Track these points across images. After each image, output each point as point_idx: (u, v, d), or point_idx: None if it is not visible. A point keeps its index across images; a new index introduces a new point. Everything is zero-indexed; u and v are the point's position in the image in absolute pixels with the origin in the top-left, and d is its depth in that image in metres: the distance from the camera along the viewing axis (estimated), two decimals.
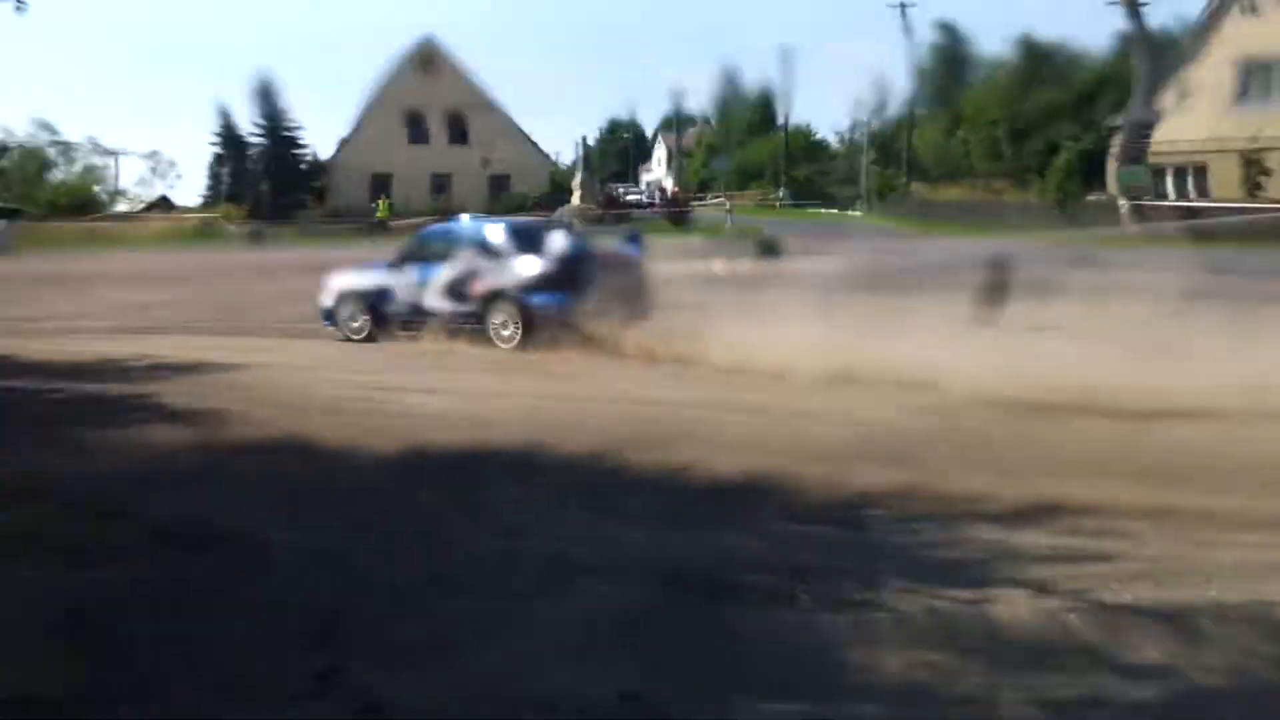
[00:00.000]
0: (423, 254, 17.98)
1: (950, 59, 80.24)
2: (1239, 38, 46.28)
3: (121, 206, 77.02)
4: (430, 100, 72.10)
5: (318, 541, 6.82)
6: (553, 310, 15.87)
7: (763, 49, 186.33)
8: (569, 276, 15.99)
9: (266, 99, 74.86)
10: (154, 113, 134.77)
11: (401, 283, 17.63)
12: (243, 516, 7.33)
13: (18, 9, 11.41)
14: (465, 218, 20.00)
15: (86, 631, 5.48)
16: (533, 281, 16.31)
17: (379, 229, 53.09)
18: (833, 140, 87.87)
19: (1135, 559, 6.33)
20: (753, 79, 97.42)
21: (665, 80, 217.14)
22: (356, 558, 6.53)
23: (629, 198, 73.81)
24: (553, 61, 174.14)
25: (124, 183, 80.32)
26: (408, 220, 56.33)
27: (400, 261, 18.03)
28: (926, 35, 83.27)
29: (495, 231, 17.67)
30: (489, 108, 73.26)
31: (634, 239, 19.55)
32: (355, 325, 17.96)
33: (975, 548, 6.62)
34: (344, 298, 18.26)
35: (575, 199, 59.15)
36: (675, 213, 57.61)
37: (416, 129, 72.90)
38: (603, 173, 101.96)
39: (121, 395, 12.18)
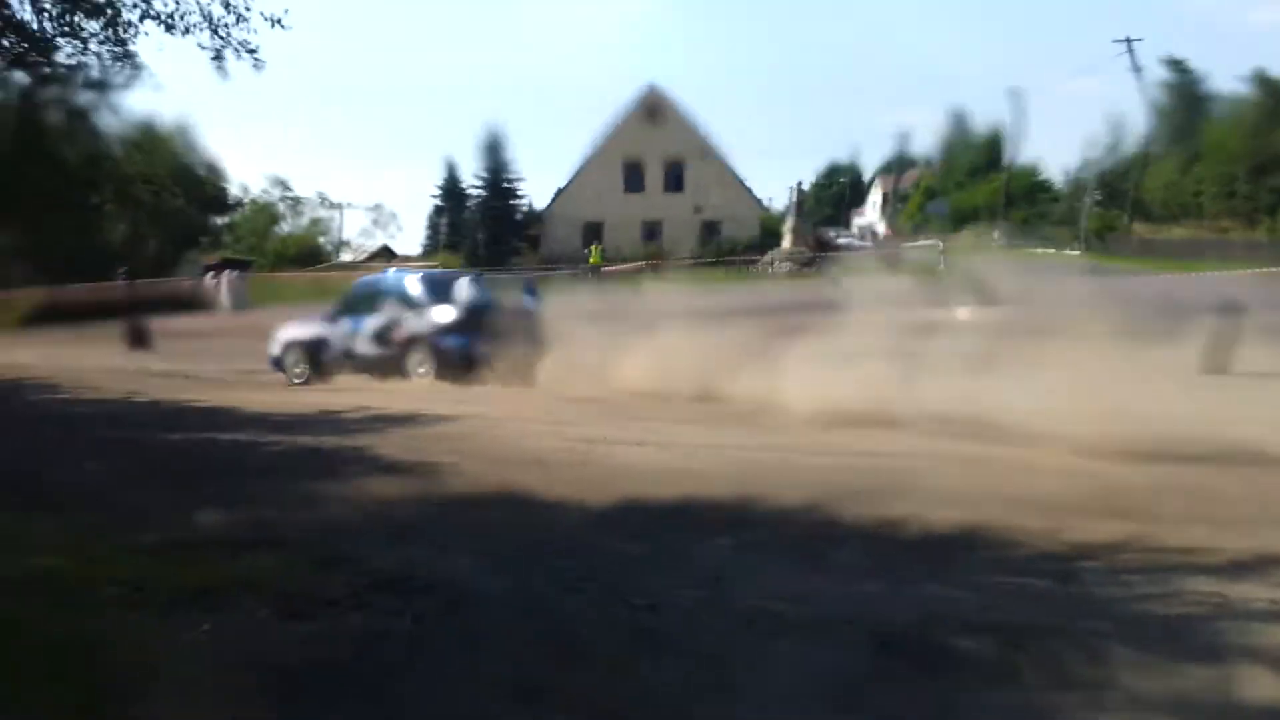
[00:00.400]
0: (354, 307, 20.66)
1: (1188, 96, 77.92)
2: None
3: (345, 256, 79.72)
4: (651, 149, 72.53)
5: (525, 594, 6.85)
6: (460, 351, 18.91)
7: (990, 90, 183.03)
8: (475, 322, 19.06)
9: (493, 152, 76.66)
10: (376, 167, 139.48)
11: (336, 332, 20.40)
12: (453, 567, 7.44)
13: (255, 66, 11.84)
14: (391, 270, 23.32)
15: (292, 684, 5.58)
16: (444, 327, 19.37)
17: (592, 274, 53.75)
18: (1059, 180, 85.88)
19: None
20: (982, 120, 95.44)
21: (890, 124, 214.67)
22: (562, 611, 6.52)
23: (840, 241, 73.16)
24: (774, 105, 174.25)
25: (347, 234, 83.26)
26: (619, 266, 57.00)
27: (335, 314, 20.73)
28: (1155, 73, 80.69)
29: (413, 284, 20.50)
30: (707, 155, 73.40)
31: (530, 290, 21.98)
32: (298, 371, 20.65)
33: (1193, 602, 6.33)
34: (289, 347, 21.03)
35: (786, 243, 58.96)
36: (887, 254, 56.87)
37: (633, 177, 73.49)
38: (816, 217, 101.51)
39: (338, 448, 12.52)
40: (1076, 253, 62.77)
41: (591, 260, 57.89)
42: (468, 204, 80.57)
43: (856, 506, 8.89)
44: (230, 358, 24.32)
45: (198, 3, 11.31)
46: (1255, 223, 55.52)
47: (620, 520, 9.07)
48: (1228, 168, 59.94)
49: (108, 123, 11.54)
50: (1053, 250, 65.30)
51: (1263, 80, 62.05)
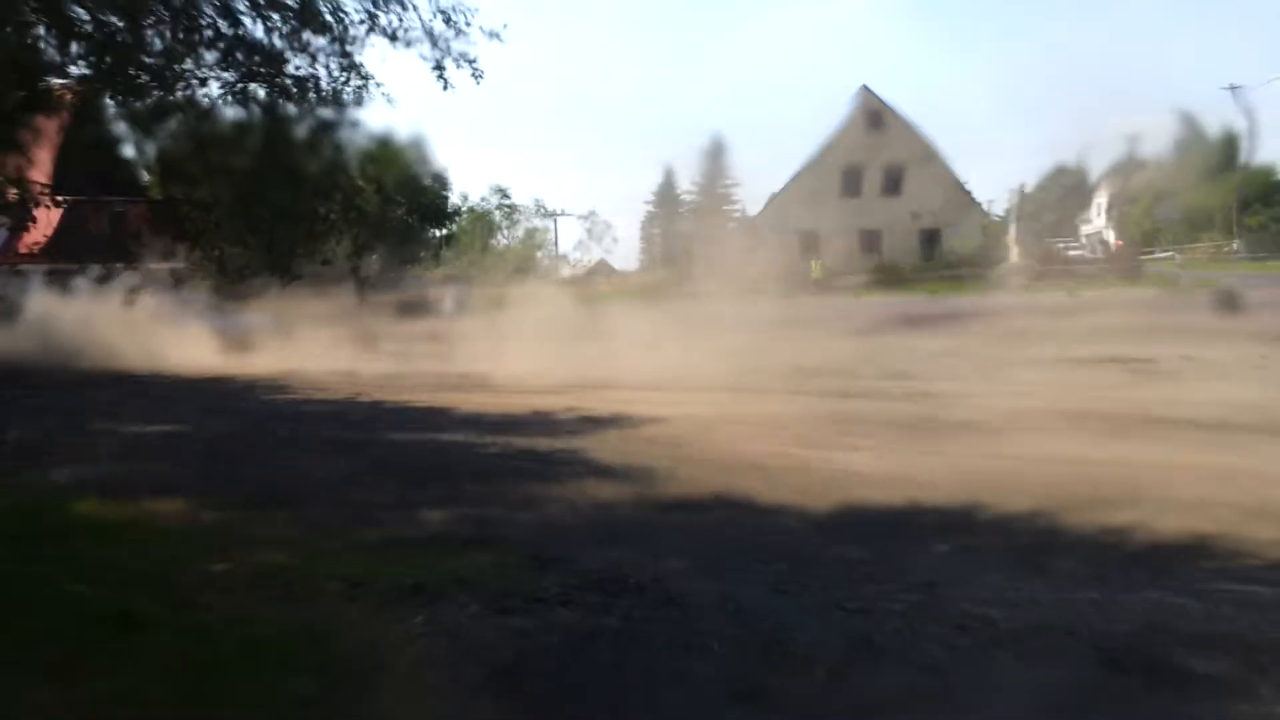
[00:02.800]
0: None
1: None
2: None
3: (563, 271, 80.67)
4: (872, 154, 71.62)
5: (738, 597, 6.75)
6: None
7: (1222, 92, 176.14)
8: None
9: (715, 159, 76.83)
10: (594, 177, 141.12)
11: None
12: (669, 570, 7.43)
13: (475, 76, 12.02)
14: None
15: (507, 680, 5.64)
16: None
17: (817, 287, 53.66)
18: None
19: None
20: (1216, 120, 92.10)
21: (1118, 126, 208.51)
22: (775, 616, 6.44)
23: (1070, 252, 71.11)
24: (996, 107, 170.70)
25: (563, 245, 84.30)
26: (843, 280, 56.52)
27: None
28: None
29: None
30: (929, 159, 72.10)
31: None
32: None
33: None
34: None
35: (1014, 255, 57.72)
36: (1123, 266, 55.20)
37: (850, 183, 72.64)
38: (1038, 223, 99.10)
39: (552, 450, 12.62)
40: None
41: (815, 275, 57.62)
42: (681, 210, 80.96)
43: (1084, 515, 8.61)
44: (448, 361, 24.76)
45: (419, 17, 11.52)
46: None
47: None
48: None
49: (348, 137, 11.84)
50: None
51: None
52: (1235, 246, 72.29)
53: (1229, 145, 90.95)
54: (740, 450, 12.27)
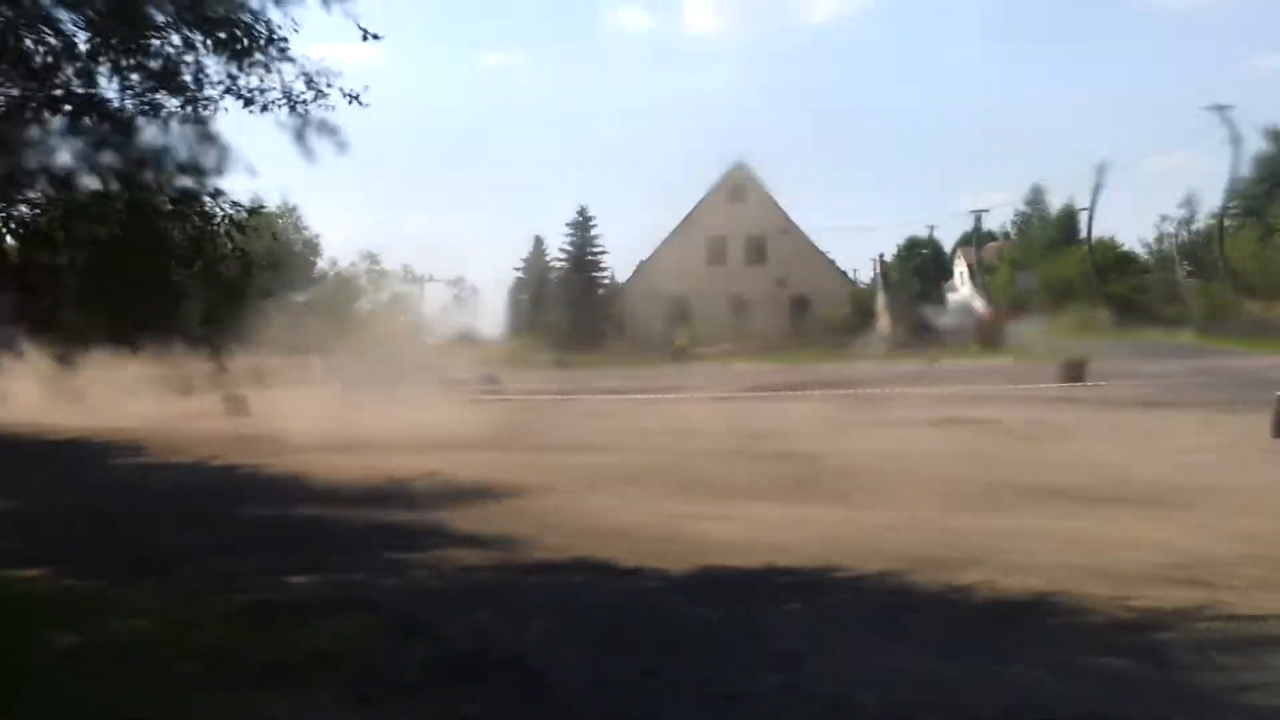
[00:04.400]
0: None
1: (1275, 170, 77.19)
2: None
3: (428, 339, 79.85)
4: (735, 225, 72.88)
5: (605, 673, 6.70)
6: None
7: (1062, 165, 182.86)
8: None
9: (580, 228, 77.18)
10: (462, 245, 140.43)
11: None
12: (534, 640, 7.41)
13: (338, 148, 11.93)
14: None
15: None
16: None
17: (680, 356, 54.04)
18: (1140, 251, 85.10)
19: None
20: (1057, 197, 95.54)
21: (967, 200, 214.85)
22: (638, 695, 6.37)
23: (938, 320, 72.47)
24: (849, 180, 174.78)
25: (428, 312, 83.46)
26: (710, 348, 56.95)
27: None
28: (1255, 144, 79.70)
29: None
30: (789, 230, 73.67)
31: None
32: None
33: None
34: None
35: (883, 323, 58.60)
36: (987, 336, 56.36)
37: (715, 252, 73.70)
38: (904, 291, 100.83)
39: (415, 519, 12.62)
40: (1185, 337, 61.79)
41: (679, 344, 58.14)
42: (550, 277, 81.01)
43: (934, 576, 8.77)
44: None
45: (280, 78, 11.41)
46: None
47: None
48: None
49: (215, 206, 11.63)
50: (1160, 333, 64.44)
51: None
52: (1100, 316, 74.32)
53: (1067, 220, 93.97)
54: (605, 519, 12.33)
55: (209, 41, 10.89)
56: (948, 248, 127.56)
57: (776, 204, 74.18)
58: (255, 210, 12.06)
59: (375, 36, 11.80)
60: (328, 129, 11.76)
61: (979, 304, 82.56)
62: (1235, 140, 64.47)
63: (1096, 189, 76.41)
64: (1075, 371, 28.95)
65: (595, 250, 78.77)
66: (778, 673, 6.64)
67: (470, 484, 14.98)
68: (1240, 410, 20.68)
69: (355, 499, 14.24)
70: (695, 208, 74.55)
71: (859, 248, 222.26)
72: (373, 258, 77.84)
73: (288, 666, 6.78)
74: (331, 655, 6.99)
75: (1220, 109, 64.31)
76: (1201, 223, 78.26)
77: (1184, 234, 77.85)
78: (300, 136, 11.67)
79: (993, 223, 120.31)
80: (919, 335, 57.18)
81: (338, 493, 14.80)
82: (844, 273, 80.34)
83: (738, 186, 73.73)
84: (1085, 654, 6.90)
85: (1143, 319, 59.11)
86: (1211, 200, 79.57)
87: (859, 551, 10.04)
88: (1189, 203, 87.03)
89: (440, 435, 20.75)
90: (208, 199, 11.42)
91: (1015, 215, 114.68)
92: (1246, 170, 74.49)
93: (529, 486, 14.72)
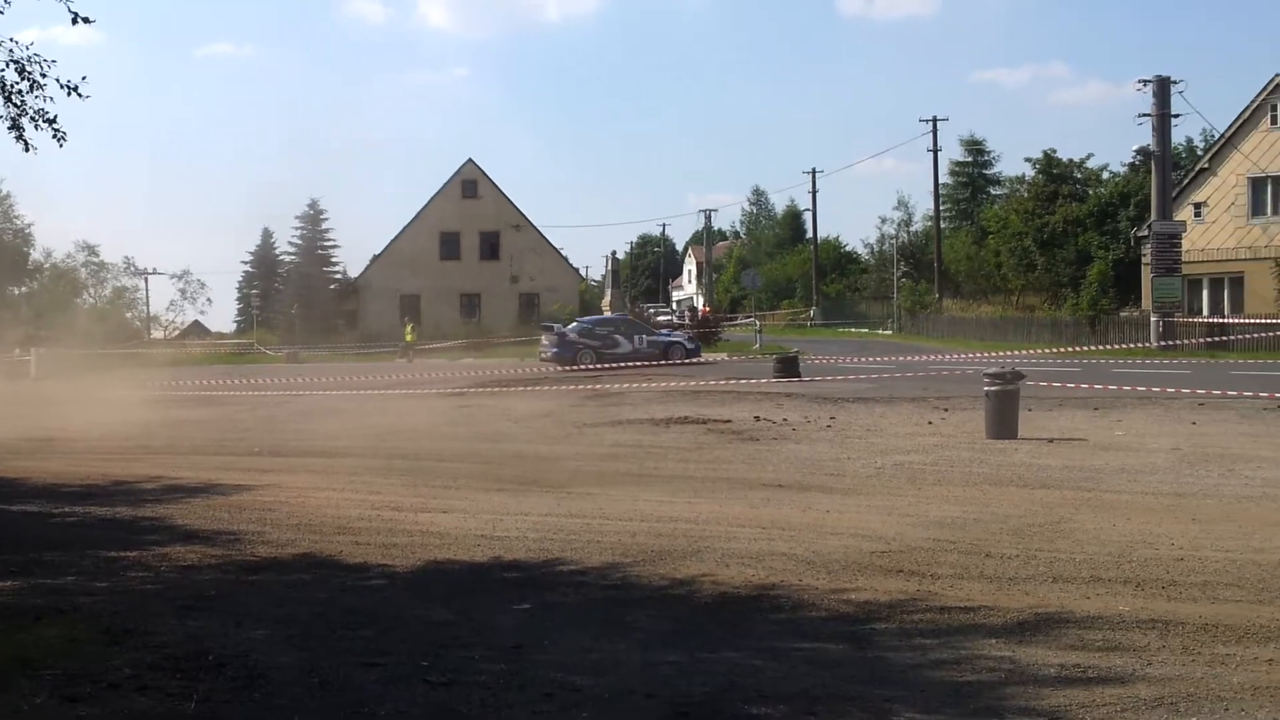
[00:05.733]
0: None
1: (973, 177, 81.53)
2: (1256, 153, 46.84)
3: (155, 333, 77.39)
4: (468, 220, 72.86)
5: (323, 670, 6.64)
6: None
7: (793, 165, 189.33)
8: None
9: (311, 220, 75.88)
10: (190, 237, 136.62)
11: None
12: (252, 640, 7.27)
13: (56, 138, 11.54)
14: None
15: None
16: None
17: (409, 351, 53.64)
18: (862, 252, 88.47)
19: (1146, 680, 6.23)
20: (782, 196, 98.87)
21: (695, 200, 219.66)
22: (361, 690, 6.32)
23: (659, 317, 73.91)
24: (585, 178, 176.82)
25: (155, 306, 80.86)
26: (441, 344, 56.69)
27: None
28: (955, 152, 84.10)
29: None
30: (522, 225, 73.99)
31: None
32: None
33: (984, 668, 6.51)
34: None
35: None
36: (705, 332, 57.75)
37: (449, 246, 73.54)
38: (634, 288, 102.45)
39: (136, 517, 12.26)
40: (889, 332, 64.47)
41: (407, 338, 57.66)
42: (280, 271, 79.47)
43: (654, 568, 9.00)
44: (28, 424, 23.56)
45: None
46: (1061, 299, 57.50)
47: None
48: (1019, 241, 62.14)
49: None
50: (865, 330, 67.11)
51: (1048, 160, 64.50)
52: (812, 313, 76.84)
53: (792, 220, 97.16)
54: (329, 513, 12.25)
55: None
56: (681, 245, 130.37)
57: (510, 200, 74.47)
58: None
59: (86, 20, 11.48)
60: (45, 118, 11.39)
61: (700, 303, 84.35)
62: (937, 148, 67.50)
63: (814, 191, 79.08)
64: (790, 367, 29.93)
65: (327, 244, 77.68)
66: (499, 663, 6.71)
67: (194, 482, 14.66)
68: (954, 407, 21.73)
69: (74, 496, 13.82)
70: (428, 203, 74.23)
71: (598, 244, 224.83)
72: (91, 249, 75.00)
73: None
74: (34, 661, 6.69)
75: (932, 120, 67.32)
76: (918, 225, 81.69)
77: (904, 235, 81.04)
78: (16, 127, 11.28)
79: (724, 222, 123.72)
80: None
81: (56, 491, 14.32)
82: (576, 269, 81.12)
83: (470, 182, 73.73)
84: (799, 641, 7.19)
85: (853, 317, 61.44)
86: (925, 204, 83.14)
87: (581, 544, 10.26)
88: (903, 205, 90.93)
89: (168, 437, 20.32)
90: None
91: (743, 215, 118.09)
92: (947, 177, 78.43)
93: (252, 483, 14.50)
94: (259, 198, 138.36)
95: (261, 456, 17.98)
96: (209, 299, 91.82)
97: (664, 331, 48.03)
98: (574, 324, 44.46)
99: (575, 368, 37.73)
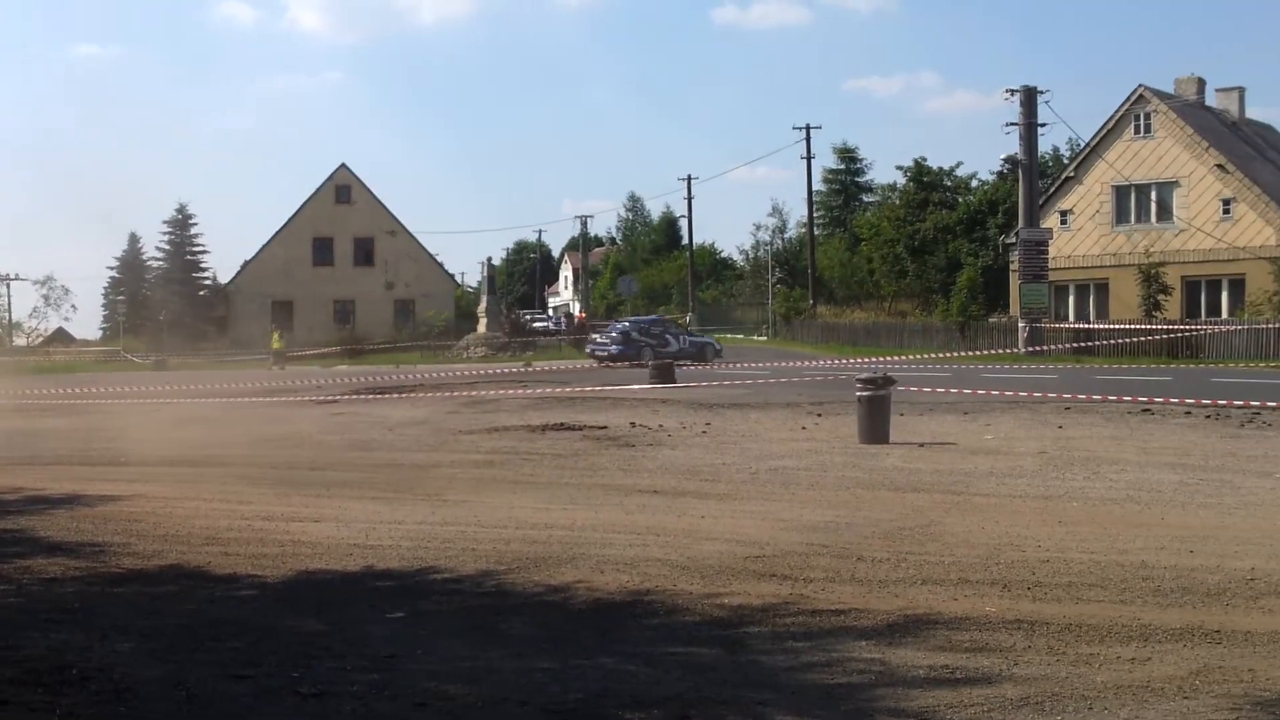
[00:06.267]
0: None
1: (847, 184, 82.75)
2: (1120, 162, 48.14)
3: (18, 341, 75.53)
4: (342, 226, 72.38)
5: (190, 683, 6.50)
6: None
7: (669, 172, 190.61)
8: None
9: (181, 227, 74.65)
10: (52, 242, 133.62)
11: None
12: (118, 653, 7.12)
13: None
14: None
15: None
16: None
17: (280, 358, 53.09)
18: (738, 258, 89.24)
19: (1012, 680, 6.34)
20: (658, 202, 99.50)
21: (571, 206, 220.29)
22: (229, 703, 6.22)
23: (536, 324, 73.97)
24: (461, 184, 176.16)
25: (17, 313, 78.88)
26: (314, 351, 56.07)
27: None
28: (828, 160, 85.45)
29: None
30: (396, 231, 73.62)
31: None
32: None
33: (855, 670, 6.58)
34: None
35: (482, 326, 59.16)
36: (581, 339, 57.93)
37: (322, 252, 72.95)
38: (510, 295, 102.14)
39: None
40: (764, 338, 65.13)
41: (274, 345, 57.08)
42: (148, 276, 78.00)
43: (529, 575, 8.98)
44: None
45: None
46: (932, 305, 58.62)
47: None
48: (890, 248, 63.27)
49: None
50: (741, 336, 67.70)
51: (918, 168, 65.66)
52: (688, 320, 77.31)
53: (668, 227, 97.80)
54: (198, 524, 12.03)
55: None
56: (557, 252, 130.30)
57: (384, 206, 74.06)
58: None
59: None
60: None
61: (576, 309, 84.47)
62: (810, 156, 68.38)
63: (690, 198, 79.57)
64: (665, 374, 30.12)
65: (196, 249, 76.34)
66: (371, 673, 6.64)
67: (58, 493, 14.30)
68: (827, 412, 22.01)
69: None
70: (300, 208, 73.58)
71: (474, 250, 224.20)
72: None
73: None
74: None
75: (805, 128, 68.15)
76: (793, 231, 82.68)
77: (779, 242, 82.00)
78: None
79: (600, 228, 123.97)
80: (516, 338, 58.17)
81: None
82: (452, 276, 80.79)
83: (344, 187, 73.19)
84: (674, 646, 7.20)
85: (729, 322, 62.14)
86: (799, 211, 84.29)
87: (455, 551, 10.19)
88: (777, 212, 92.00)
89: (31, 447, 19.85)
90: None
91: (619, 221, 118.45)
92: (820, 184, 79.51)
93: (118, 494, 14.18)
94: (124, 201, 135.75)
95: (128, 466, 17.61)
96: (74, 305, 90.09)
97: (695, 334, 51.56)
98: (625, 323, 47.77)
99: (636, 364, 40.04)
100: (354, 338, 63.06)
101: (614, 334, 45.79)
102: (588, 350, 45.92)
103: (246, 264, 73.90)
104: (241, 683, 6.50)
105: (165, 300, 72.61)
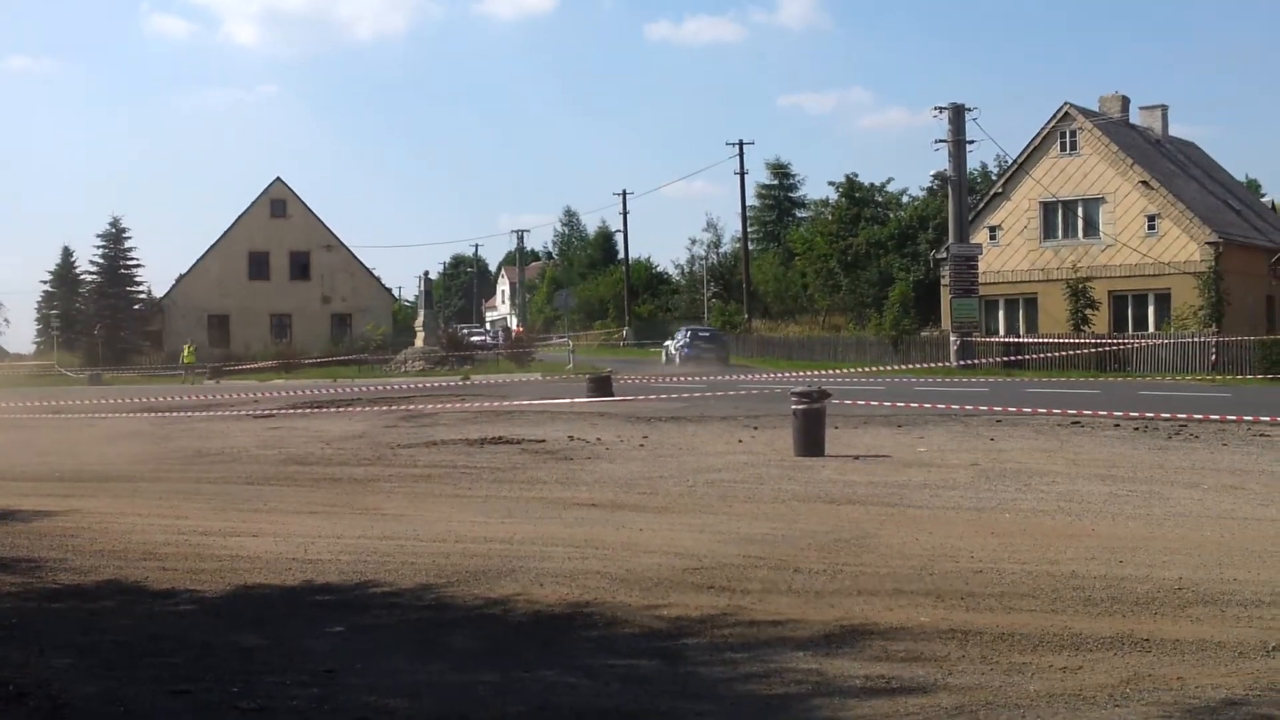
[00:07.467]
0: None
1: (780, 199, 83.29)
2: (1047, 179, 48.81)
3: None
4: (277, 240, 72.04)
5: (128, 699, 6.46)
6: None
7: (604, 186, 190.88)
8: None
9: (115, 240, 73.94)
10: None
11: None
12: (54, 669, 7.05)
13: None
14: None
15: None
16: None
17: (192, 371, 53.04)
18: (674, 273, 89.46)
19: (947, 689, 6.44)
20: (594, 217, 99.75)
21: (508, 221, 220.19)
22: (166, 715, 6.22)
23: (473, 338, 73.76)
24: (398, 198, 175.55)
25: None
26: (250, 365, 55.67)
27: None
28: (762, 175, 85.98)
29: None
30: (333, 245, 73.32)
31: None
32: None
33: (792, 680, 6.66)
34: None
35: (419, 340, 58.92)
36: (518, 353, 57.85)
37: (258, 266, 72.55)
38: (447, 309, 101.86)
39: None
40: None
41: (185, 359, 56.75)
42: (81, 290, 77.16)
43: (469, 589, 9.01)
44: None
45: None
46: (865, 319, 59.13)
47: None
48: (824, 263, 63.78)
49: None
50: None
51: (850, 184, 66.18)
52: (625, 334, 77.39)
53: (604, 241, 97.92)
54: (135, 539, 11.95)
55: None
56: (494, 266, 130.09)
57: (320, 220, 73.74)
58: None
59: None
60: None
61: (514, 323, 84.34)
62: (744, 171, 68.80)
63: (625, 212, 79.76)
64: (603, 387, 30.17)
65: (130, 263, 75.51)
66: (311, 687, 6.63)
67: None
68: (763, 425, 22.15)
69: None
70: (235, 221, 73.13)
71: (411, 265, 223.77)
72: None
73: None
74: None
75: (739, 144, 68.54)
76: (728, 246, 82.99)
77: (714, 256, 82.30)
78: None
79: (537, 242, 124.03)
80: (454, 352, 58.00)
81: None
82: (389, 290, 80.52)
83: (280, 201, 72.83)
84: (613, 658, 7.25)
85: (666, 336, 62.46)
86: (734, 226, 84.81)
87: (395, 565, 10.19)
88: (712, 227, 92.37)
89: None
90: None
91: (555, 235, 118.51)
92: (754, 199, 79.99)
93: (53, 509, 14.06)
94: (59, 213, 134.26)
95: (63, 481, 17.44)
96: (6, 319, 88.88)
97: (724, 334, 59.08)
98: (703, 330, 58.00)
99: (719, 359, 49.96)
100: (291, 352, 62.63)
101: (705, 334, 55.10)
102: (676, 348, 52.87)
103: (181, 278, 73.32)
104: (180, 699, 6.45)
105: (99, 314, 71.88)
